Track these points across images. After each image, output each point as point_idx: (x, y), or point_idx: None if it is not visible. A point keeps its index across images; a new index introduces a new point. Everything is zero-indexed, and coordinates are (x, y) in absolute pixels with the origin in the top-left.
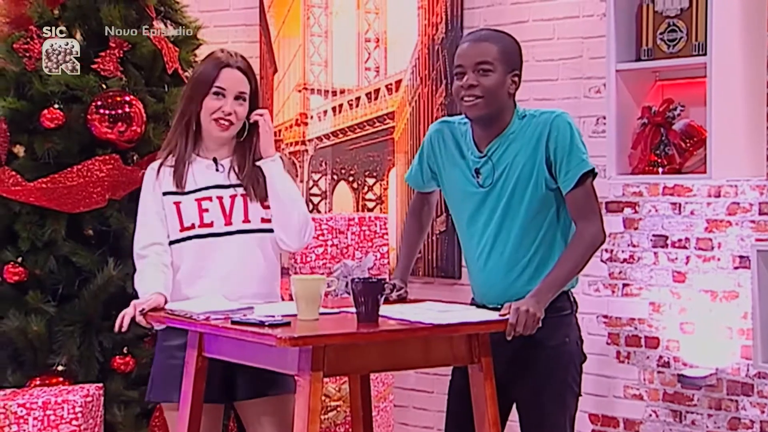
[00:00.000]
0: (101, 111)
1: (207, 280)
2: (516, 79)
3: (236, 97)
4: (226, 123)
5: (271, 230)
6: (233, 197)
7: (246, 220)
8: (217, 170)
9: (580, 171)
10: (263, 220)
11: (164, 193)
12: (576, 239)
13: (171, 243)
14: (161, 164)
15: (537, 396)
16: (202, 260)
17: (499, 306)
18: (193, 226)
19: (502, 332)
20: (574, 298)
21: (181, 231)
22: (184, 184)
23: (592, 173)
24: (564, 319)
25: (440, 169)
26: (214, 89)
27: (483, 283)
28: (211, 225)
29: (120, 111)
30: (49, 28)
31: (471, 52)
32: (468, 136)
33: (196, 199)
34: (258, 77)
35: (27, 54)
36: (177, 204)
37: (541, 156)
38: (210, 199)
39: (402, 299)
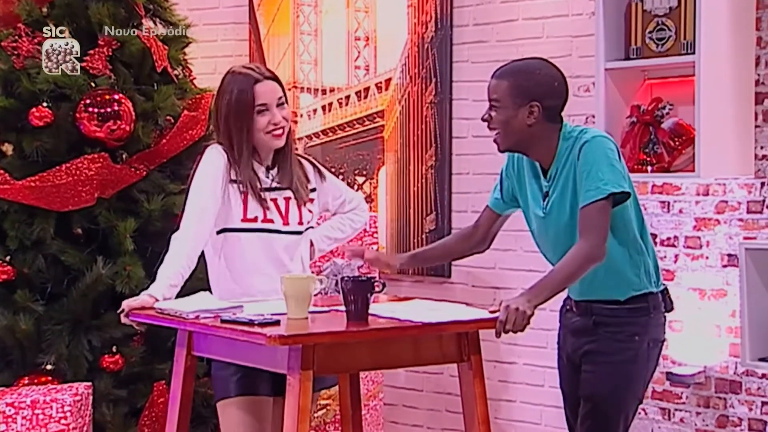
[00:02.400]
0: (90, 109)
1: (269, 273)
2: (535, 110)
3: (278, 105)
4: (280, 131)
5: (311, 227)
6: (287, 200)
7: (300, 222)
8: (267, 177)
9: (591, 197)
10: (308, 222)
11: (232, 181)
12: (576, 250)
13: (227, 231)
14: (227, 155)
15: (597, 388)
16: (263, 254)
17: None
18: (256, 219)
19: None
20: (665, 299)
21: (243, 221)
22: (250, 180)
23: (611, 196)
24: (637, 318)
25: (518, 190)
26: (257, 108)
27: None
28: (272, 222)
29: (109, 109)
30: (31, 27)
31: (489, 87)
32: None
33: (260, 196)
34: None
35: (15, 52)
36: (245, 194)
37: (578, 181)
38: (266, 200)
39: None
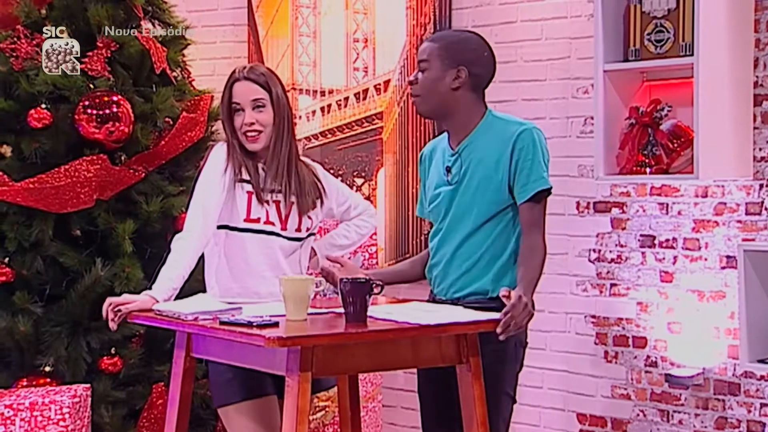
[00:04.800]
0: (89, 111)
1: (267, 276)
2: (462, 74)
3: (254, 107)
4: (253, 134)
5: (311, 235)
6: (290, 205)
7: (298, 229)
8: (270, 180)
9: (537, 187)
10: (307, 230)
11: (238, 180)
12: (532, 249)
13: (229, 229)
14: (232, 153)
15: None
16: (263, 257)
17: (451, 299)
18: (258, 220)
19: None
20: None
21: (245, 221)
22: (254, 180)
23: (548, 191)
24: None
25: (425, 181)
26: (232, 107)
27: (436, 274)
28: (273, 224)
29: (108, 111)
30: (30, 29)
31: (418, 50)
32: (446, 140)
33: (262, 198)
34: (280, 84)
35: (14, 54)
36: (250, 194)
37: (505, 164)
38: (268, 202)
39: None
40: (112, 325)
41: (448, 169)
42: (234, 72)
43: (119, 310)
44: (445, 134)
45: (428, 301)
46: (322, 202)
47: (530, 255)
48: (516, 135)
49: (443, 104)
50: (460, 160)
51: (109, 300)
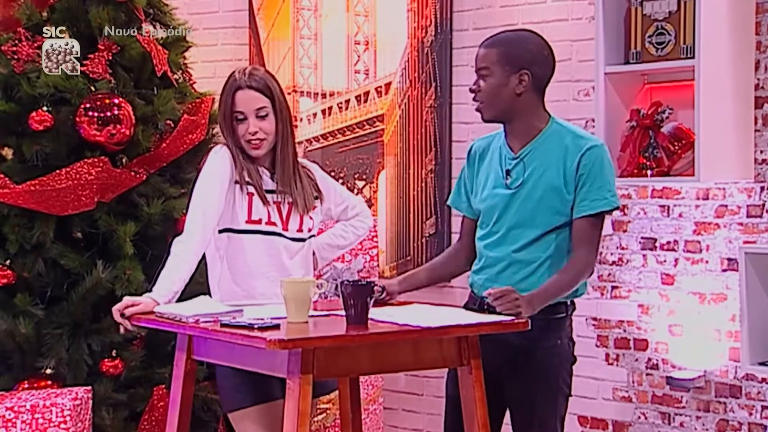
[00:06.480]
0: (90, 113)
1: (272, 276)
2: (525, 77)
3: (257, 116)
4: (256, 142)
5: (313, 235)
6: (290, 205)
7: (300, 230)
8: (272, 180)
9: (600, 207)
10: (309, 230)
11: (236, 182)
12: (574, 263)
13: (230, 232)
14: (232, 155)
15: (528, 396)
16: (266, 257)
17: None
18: (260, 221)
19: (498, 333)
20: (572, 301)
21: (247, 222)
22: (255, 181)
23: (611, 211)
24: (558, 321)
25: (474, 179)
26: (235, 116)
27: (486, 278)
28: (275, 225)
29: (109, 113)
30: (31, 31)
31: (477, 57)
32: (503, 140)
33: (265, 198)
34: (279, 88)
35: (15, 56)
36: (251, 195)
37: (570, 178)
38: (269, 203)
39: (380, 301)
40: (126, 325)
41: (508, 173)
42: (234, 78)
43: (124, 315)
44: (501, 132)
45: (466, 304)
46: (321, 202)
47: (568, 268)
48: (584, 150)
49: (508, 109)
50: (522, 165)
51: (114, 309)
